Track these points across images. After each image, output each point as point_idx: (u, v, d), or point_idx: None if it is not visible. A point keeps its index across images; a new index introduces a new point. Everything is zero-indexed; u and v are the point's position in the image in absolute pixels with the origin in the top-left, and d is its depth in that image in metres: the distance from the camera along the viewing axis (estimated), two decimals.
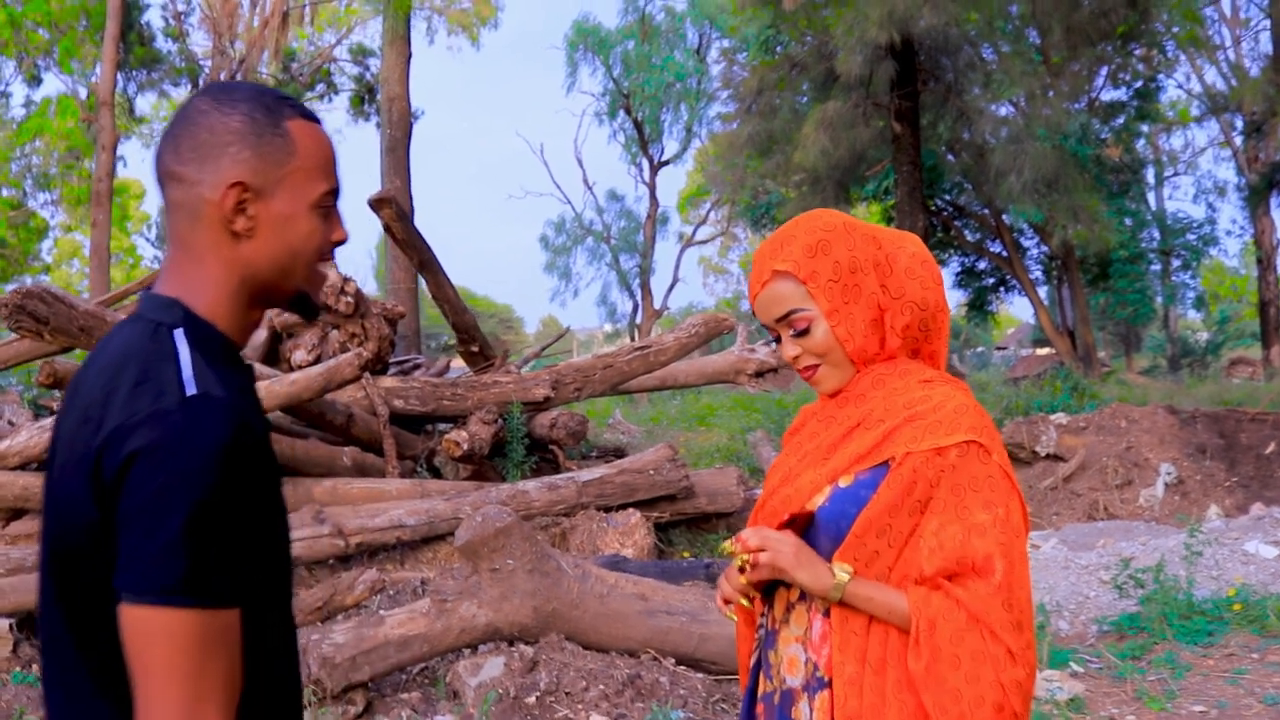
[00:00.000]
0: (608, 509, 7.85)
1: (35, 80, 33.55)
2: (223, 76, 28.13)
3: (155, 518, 1.30)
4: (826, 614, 1.92)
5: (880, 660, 1.86)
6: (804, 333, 1.98)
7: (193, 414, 1.35)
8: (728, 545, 2.00)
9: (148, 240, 45.28)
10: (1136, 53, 23.66)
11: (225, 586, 1.34)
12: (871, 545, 1.88)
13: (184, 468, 1.31)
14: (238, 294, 1.53)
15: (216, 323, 1.51)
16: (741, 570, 1.96)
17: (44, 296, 6.57)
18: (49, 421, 7.44)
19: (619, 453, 11.33)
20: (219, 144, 1.48)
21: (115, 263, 44.31)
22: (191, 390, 1.37)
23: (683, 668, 5.46)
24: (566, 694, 5.13)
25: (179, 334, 1.45)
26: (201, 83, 29.86)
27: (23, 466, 7.36)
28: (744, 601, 2.00)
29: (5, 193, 38.74)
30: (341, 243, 1.60)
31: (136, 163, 53.29)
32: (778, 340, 2.05)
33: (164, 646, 1.30)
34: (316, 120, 1.57)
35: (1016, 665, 1.79)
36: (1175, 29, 24.21)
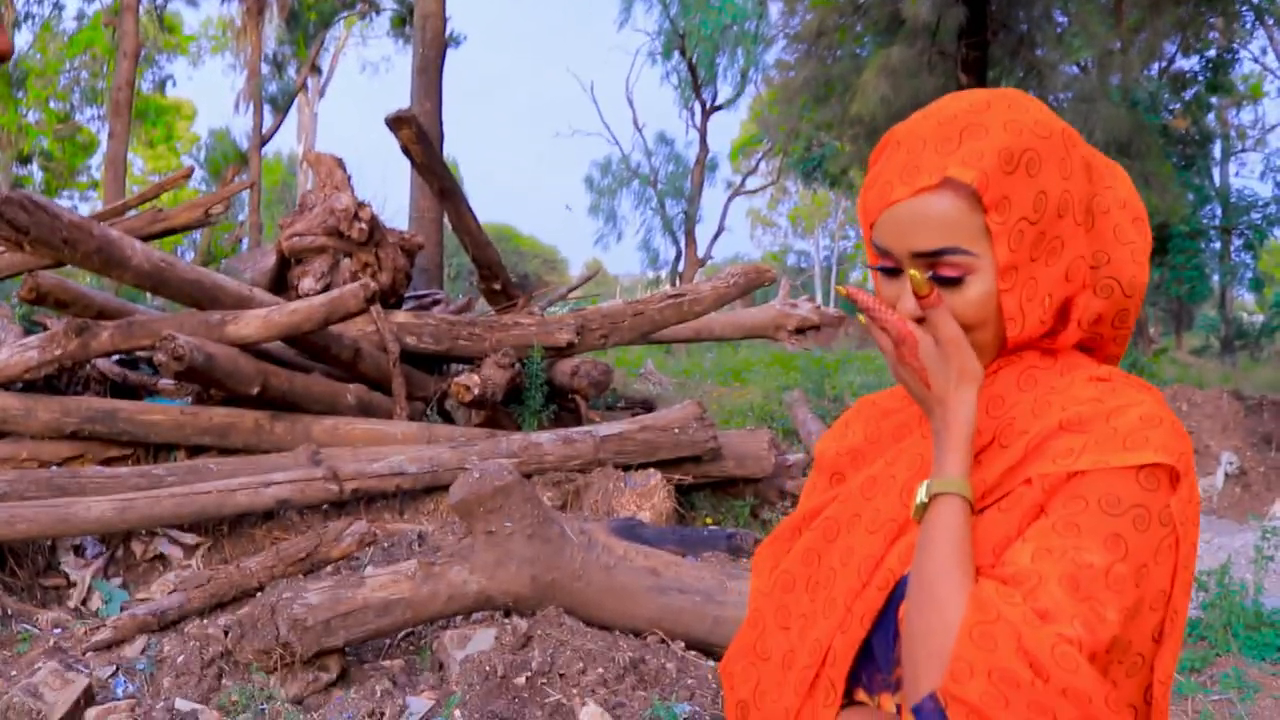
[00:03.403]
0: (627, 467, 7.30)
1: None
2: None
3: None
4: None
5: None
6: (950, 283, 1.24)
7: None
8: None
9: (196, 161, 44.95)
10: (1212, 21, 22.72)
11: None
12: None
13: None
14: None
15: None
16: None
17: (24, 203, 6.00)
18: (35, 339, 6.94)
19: (647, 405, 10.79)
20: None
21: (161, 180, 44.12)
22: None
23: (693, 653, 4.93)
24: (561, 676, 4.60)
25: None
26: None
27: (4, 385, 6.87)
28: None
29: (53, 105, 38.57)
30: (1, 58, 0.85)
31: (184, 81, 52.66)
32: (888, 274, 1.29)
33: None
34: None
35: None
36: None
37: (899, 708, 1.25)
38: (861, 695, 1.30)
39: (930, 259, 1.24)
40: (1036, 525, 1.18)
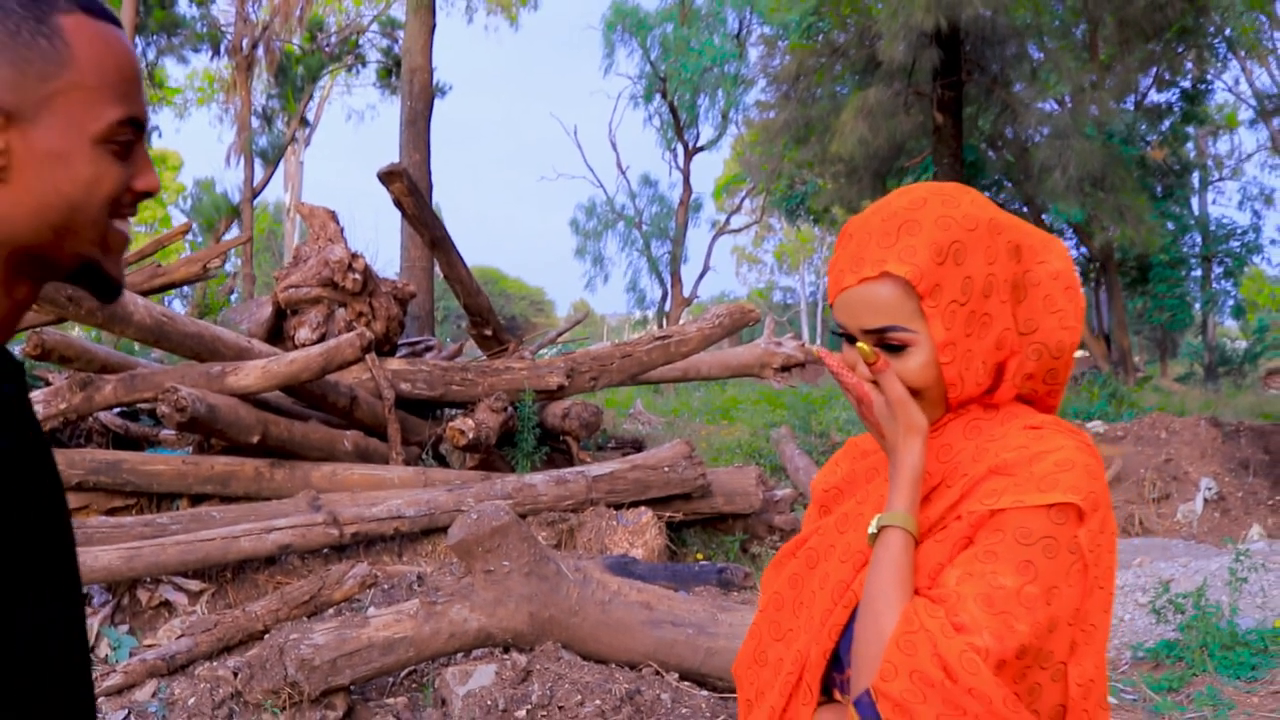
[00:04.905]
0: (619, 506, 7.48)
1: None
2: (245, 43, 27.82)
3: None
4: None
5: None
6: (896, 350, 1.48)
7: None
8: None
9: (183, 212, 45.15)
10: (1182, 52, 23.09)
11: None
12: None
13: None
14: None
15: None
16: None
17: None
18: (40, 394, 7.12)
19: (637, 444, 10.97)
20: None
21: (149, 232, 44.32)
22: None
23: (687, 684, 5.10)
24: (560, 708, 4.77)
25: None
26: (223, 50, 29.57)
27: None
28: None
29: None
30: (148, 194, 1.14)
31: (170, 133, 52.90)
32: (848, 341, 1.52)
33: None
34: (109, 18, 1.10)
35: None
36: (1228, 30, 23.60)
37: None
38: (838, 696, 1.54)
39: (877, 334, 1.47)
40: (963, 554, 1.41)
